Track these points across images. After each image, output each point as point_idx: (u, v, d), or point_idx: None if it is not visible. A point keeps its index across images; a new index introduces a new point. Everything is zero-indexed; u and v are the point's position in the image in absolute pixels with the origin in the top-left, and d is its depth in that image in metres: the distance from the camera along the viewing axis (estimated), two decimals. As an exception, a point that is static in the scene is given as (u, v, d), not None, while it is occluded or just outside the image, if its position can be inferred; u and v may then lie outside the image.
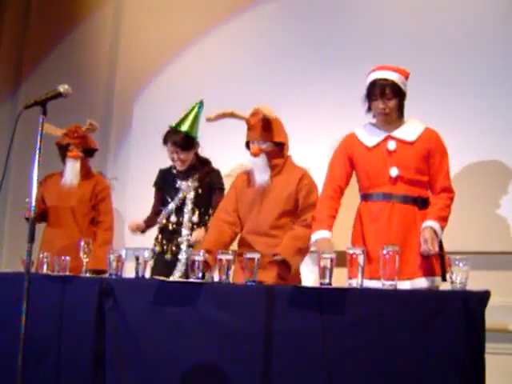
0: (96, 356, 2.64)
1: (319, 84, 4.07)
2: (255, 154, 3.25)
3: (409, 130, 2.94)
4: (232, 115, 3.32)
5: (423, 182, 2.91)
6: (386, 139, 2.94)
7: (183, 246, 3.54)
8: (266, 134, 3.24)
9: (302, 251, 3.13)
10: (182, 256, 3.52)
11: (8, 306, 2.79)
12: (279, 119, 3.30)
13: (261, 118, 3.24)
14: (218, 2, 4.74)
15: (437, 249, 2.76)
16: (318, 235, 2.94)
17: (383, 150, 2.93)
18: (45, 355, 2.77)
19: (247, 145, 3.36)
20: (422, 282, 2.79)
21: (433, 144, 2.91)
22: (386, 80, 2.90)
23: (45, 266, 3.10)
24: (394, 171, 2.88)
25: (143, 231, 3.73)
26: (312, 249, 3.02)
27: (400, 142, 2.92)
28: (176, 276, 3.46)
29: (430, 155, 2.89)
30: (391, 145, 2.92)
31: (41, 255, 3.15)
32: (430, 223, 2.79)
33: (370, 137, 2.98)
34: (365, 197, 3.00)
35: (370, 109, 2.99)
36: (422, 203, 2.89)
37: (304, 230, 3.13)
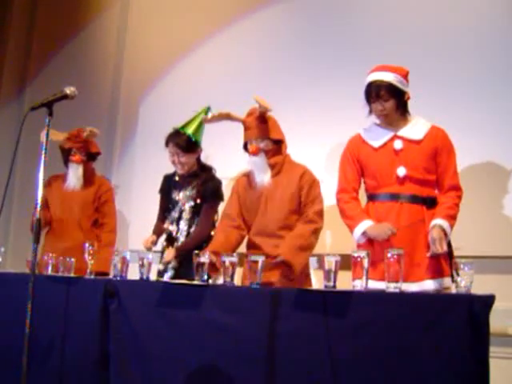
0: (100, 357, 2.65)
1: (323, 85, 4.08)
2: (254, 153, 3.24)
3: (415, 129, 2.92)
4: (228, 116, 3.32)
5: (431, 182, 2.89)
6: (392, 139, 2.92)
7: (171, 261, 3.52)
8: (263, 132, 3.24)
9: (304, 248, 3.08)
10: (171, 265, 3.52)
11: (13, 307, 2.79)
12: (274, 118, 3.30)
13: (256, 117, 3.24)
14: (224, 5, 4.75)
15: (445, 248, 2.73)
16: (364, 225, 2.87)
17: (390, 149, 2.91)
18: (49, 356, 2.78)
19: (245, 147, 3.36)
20: (430, 285, 2.76)
21: (440, 142, 2.89)
22: (381, 81, 2.88)
23: (49, 268, 3.11)
24: (401, 171, 2.86)
25: (156, 243, 3.65)
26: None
27: (407, 141, 2.90)
28: (164, 278, 3.45)
29: (437, 153, 2.88)
30: (398, 144, 2.90)
31: (45, 257, 3.15)
32: (439, 221, 2.76)
33: (376, 137, 2.97)
34: (371, 197, 2.98)
35: (371, 111, 2.98)
36: (431, 203, 2.86)
37: (304, 227, 3.13)
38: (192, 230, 3.57)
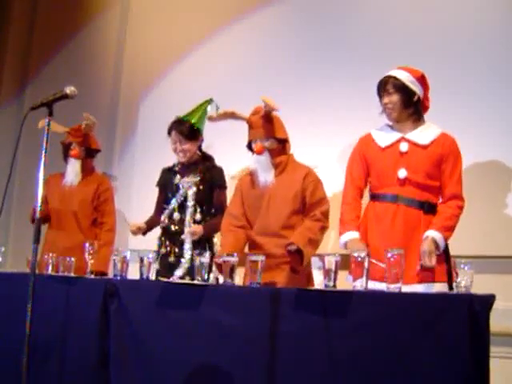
0: (101, 357, 2.65)
1: (327, 85, 4.08)
2: (259, 152, 3.25)
3: (424, 134, 2.93)
4: (233, 115, 3.33)
5: (433, 188, 2.89)
6: (399, 140, 2.94)
7: (186, 244, 3.49)
8: (268, 131, 3.25)
9: (314, 242, 3.12)
10: (186, 254, 3.48)
11: (13, 307, 2.79)
12: (279, 117, 3.30)
13: (262, 116, 3.25)
14: (224, 5, 4.75)
15: (433, 263, 2.75)
16: (347, 237, 2.93)
17: (395, 151, 2.93)
18: (50, 355, 2.78)
19: (249, 146, 3.37)
20: (420, 289, 2.75)
21: (447, 149, 2.89)
22: (389, 77, 2.95)
23: (50, 267, 3.11)
24: (402, 173, 2.88)
25: (144, 233, 3.66)
26: (343, 251, 2.91)
27: (413, 144, 2.92)
28: (178, 274, 3.44)
29: (443, 160, 2.88)
30: (403, 146, 2.92)
31: (45, 256, 3.15)
32: (432, 233, 2.78)
33: (385, 137, 2.99)
34: (373, 197, 3.00)
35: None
36: (428, 208, 2.87)
37: (314, 223, 3.15)
38: (197, 217, 3.54)
